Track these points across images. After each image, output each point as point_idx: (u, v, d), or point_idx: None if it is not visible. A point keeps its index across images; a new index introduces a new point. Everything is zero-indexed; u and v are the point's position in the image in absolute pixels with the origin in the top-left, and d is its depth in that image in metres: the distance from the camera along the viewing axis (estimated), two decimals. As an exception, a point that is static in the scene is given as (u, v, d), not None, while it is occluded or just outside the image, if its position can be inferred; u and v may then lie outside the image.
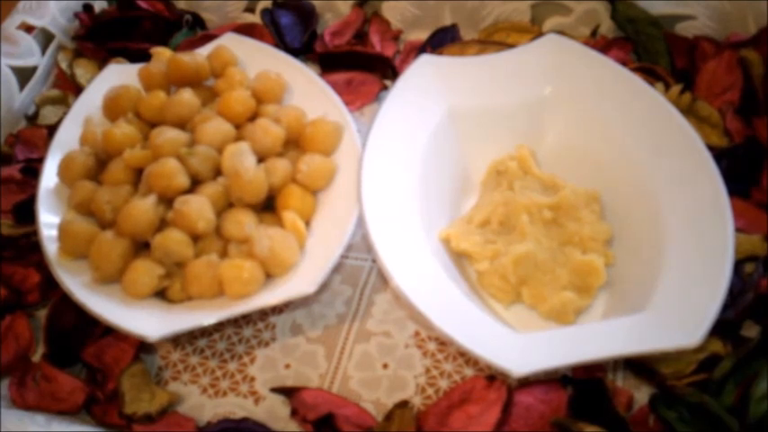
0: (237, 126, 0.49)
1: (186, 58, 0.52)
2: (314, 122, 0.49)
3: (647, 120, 0.46)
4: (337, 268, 0.48)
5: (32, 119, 0.59)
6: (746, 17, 0.54)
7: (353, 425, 0.40)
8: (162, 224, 0.45)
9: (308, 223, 0.47)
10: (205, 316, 0.42)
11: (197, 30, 0.64)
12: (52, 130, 0.54)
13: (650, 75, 0.52)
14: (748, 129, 0.49)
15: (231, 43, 0.56)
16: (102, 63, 0.61)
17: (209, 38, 0.59)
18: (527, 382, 0.40)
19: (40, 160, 0.51)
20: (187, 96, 0.50)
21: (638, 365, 0.41)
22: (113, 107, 0.52)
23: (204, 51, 0.55)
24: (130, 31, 0.63)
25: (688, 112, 0.49)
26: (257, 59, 0.55)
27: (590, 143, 0.48)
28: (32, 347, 0.46)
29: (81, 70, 0.61)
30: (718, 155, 0.44)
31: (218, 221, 0.45)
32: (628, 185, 0.46)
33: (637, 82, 0.47)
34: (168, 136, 0.47)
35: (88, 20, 0.63)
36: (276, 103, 0.52)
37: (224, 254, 0.45)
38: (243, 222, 0.44)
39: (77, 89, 0.59)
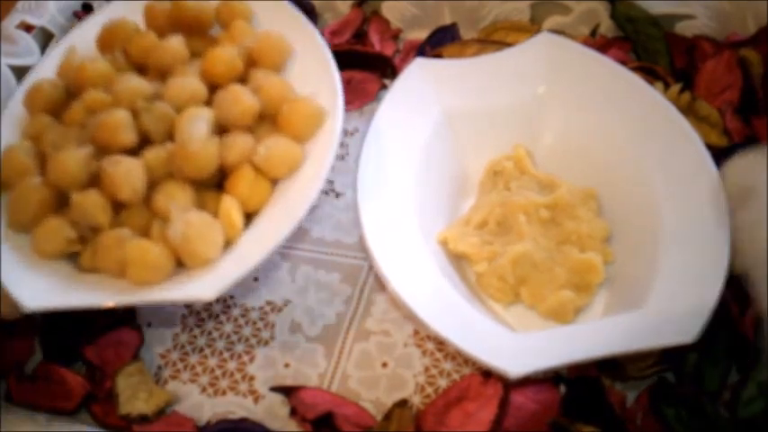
0: (217, 88, 0.44)
1: (190, 1, 0.47)
2: (294, 101, 0.43)
3: (646, 118, 0.46)
4: (337, 267, 0.48)
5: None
6: (746, 17, 0.54)
7: (353, 424, 0.40)
8: (95, 182, 0.41)
9: (252, 215, 0.42)
10: (96, 296, 0.38)
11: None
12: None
13: (650, 74, 0.52)
14: (748, 128, 0.49)
15: None
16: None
17: (209, 37, 0.59)
18: (519, 381, 0.40)
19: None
20: (174, 43, 0.45)
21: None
22: (107, 41, 0.47)
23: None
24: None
25: (687, 111, 0.49)
26: (276, 19, 0.48)
27: (587, 141, 0.48)
28: (32, 345, 0.46)
29: (80, 69, 0.61)
30: (718, 154, 0.44)
31: (152, 192, 0.41)
32: (625, 183, 0.46)
33: (634, 80, 0.48)
34: (130, 84, 0.42)
35: (87, 19, 0.63)
36: (274, 69, 0.46)
37: (146, 230, 0.40)
38: (174, 198, 0.40)
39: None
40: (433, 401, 0.41)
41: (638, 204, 0.44)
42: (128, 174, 0.39)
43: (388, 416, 0.41)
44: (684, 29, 0.55)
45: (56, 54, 0.50)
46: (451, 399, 0.41)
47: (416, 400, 0.42)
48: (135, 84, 0.42)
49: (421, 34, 0.60)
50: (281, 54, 0.45)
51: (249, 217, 0.42)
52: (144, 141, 0.41)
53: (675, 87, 0.51)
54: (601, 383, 0.40)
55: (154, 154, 0.40)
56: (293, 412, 0.42)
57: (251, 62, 0.44)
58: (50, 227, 0.40)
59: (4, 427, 0.39)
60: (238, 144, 0.41)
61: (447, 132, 0.49)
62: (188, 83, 0.42)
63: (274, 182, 0.41)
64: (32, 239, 0.40)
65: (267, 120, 0.43)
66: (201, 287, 0.38)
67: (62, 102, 0.44)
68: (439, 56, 0.55)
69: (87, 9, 0.64)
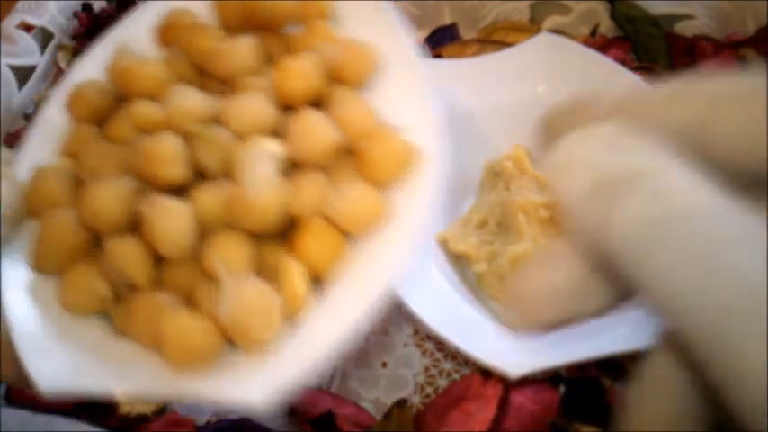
0: (289, 108, 0.34)
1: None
2: (379, 137, 0.32)
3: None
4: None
5: (31, 118, 0.59)
6: (746, 17, 0.54)
7: (352, 424, 0.40)
8: (136, 224, 0.32)
9: (320, 279, 0.32)
10: (124, 380, 0.30)
11: (196, 29, 0.64)
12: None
13: (649, 74, 0.52)
14: (747, 128, 0.50)
15: None
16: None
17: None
18: (519, 381, 0.40)
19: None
20: (242, 49, 0.35)
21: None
22: (166, 34, 0.38)
23: None
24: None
25: (687, 111, 0.49)
26: (360, 21, 0.37)
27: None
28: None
29: (80, 69, 0.61)
30: (717, 154, 0.45)
31: (201, 243, 0.32)
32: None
33: (634, 80, 0.48)
34: (184, 104, 0.33)
35: (87, 19, 0.63)
36: (356, 86, 0.35)
37: (191, 291, 0.32)
38: (227, 257, 0.31)
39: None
40: (433, 401, 0.41)
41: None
42: (172, 225, 0.31)
43: (387, 415, 0.41)
44: (684, 29, 0.55)
45: (106, 45, 0.39)
46: (451, 399, 0.41)
47: (416, 400, 0.42)
48: (190, 104, 0.33)
49: (421, 34, 0.60)
50: (367, 69, 0.35)
51: (317, 278, 0.32)
52: (197, 173, 0.33)
53: (675, 87, 0.51)
54: (601, 383, 0.40)
55: (207, 197, 0.32)
56: (292, 412, 0.42)
57: (331, 76, 0.35)
58: (79, 281, 0.32)
59: (4, 426, 0.39)
60: (309, 190, 0.31)
61: (447, 132, 0.49)
62: (254, 105, 0.33)
63: (351, 237, 0.32)
64: (60, 291, 0.32)
65: (347, 155, 0.33)
66: (250, 385, 0.29)
67: (110, 109, 0.36)
68: (439, 56, 0.55)
69: (87, 9, 0.64)
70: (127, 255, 0.31)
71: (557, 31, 0.54)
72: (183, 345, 0.29)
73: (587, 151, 0.22)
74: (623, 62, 0.52)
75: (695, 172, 0.19)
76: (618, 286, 0.22)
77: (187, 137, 0.32)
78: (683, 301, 0.17)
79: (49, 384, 0.29)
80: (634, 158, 0.20)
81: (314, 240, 0.31)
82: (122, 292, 0.32)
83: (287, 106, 0.34)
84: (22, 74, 0.60)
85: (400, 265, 0.30)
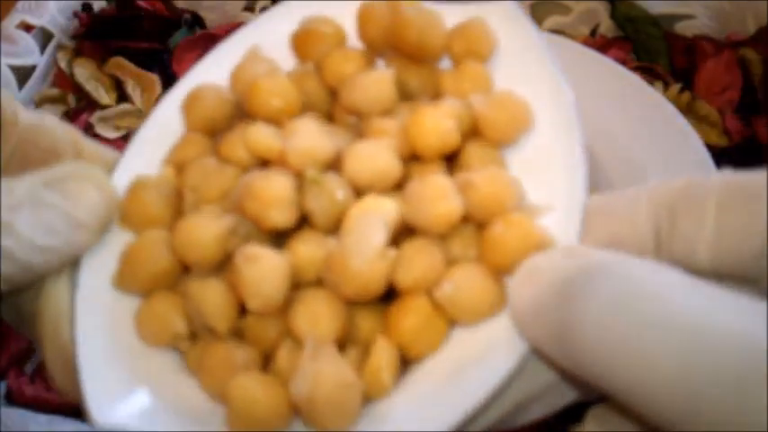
0: (423, 161, 0.30)
1: (411, 11, 0.31)
2: (511, 221, 0.27)
3: (645, 118, 0.46)
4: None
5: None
6: (746, 17, 0.54)
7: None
8: (228, 264, 0.29)
9: (410, 360, 0.28)
10: (175, 426, 0.28)
11: (196, 29, 0.64)
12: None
13: (650, 74, 0.52)
14: (747, 128, 0.49)
15: (509, 20, 0.32)
16: (101, 62, 0.61)
17: (209, 37, 0.59)
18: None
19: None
20: (377, 81, 0.31)
21: None
22: (303, 45, 0.34)
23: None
24: (130, 30, 0.63)
25: (687, 111, 0.49)
26: (515, 62, 0.32)
27: (586, 141, 0.48)
28: (32, 345, 0.46)
29: (80, 69, 0.61)
30: (718, 154, 0.45)
31: (292, 297, 0.29)
32: (624, 183, 0.46)
33: (634, 80, 0.48)
34: (306, 141, 0.29)
35: (87, 19, 0.63)
36: (499, 145, 0.30)
37: (273, 348, 0.29)
38: (316, 322, 0.28)
39: (76, 88, 0.59)
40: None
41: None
42: (263, 280, 0.28)
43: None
44: (684, 29, 0.55)
45: (237, 44, 0.35)
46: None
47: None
48: (311, 144, 0.30)
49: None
50: (515, 130, 0.30)
51: (406, 361, 0.29)
52: (301, 216, 0.30)
53: (675, 87, 0.51)
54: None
55: (307, 250, 0.29)
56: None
57: (470, 131, 0.30)
58: (157, 310, 0.30)
59: (4, 426, 0.39)
60: (419, 264, 0.28)
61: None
62: (378, 157, 0.29)
63: (453, 323, 0.28)
64: (136, 318, 0.30)
65: (468, 224, 0.29)
66: None
67: (228, 120, 0.33)
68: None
69: (87, 9, 0.64)
70: (209, 298, 0.29)
71: (557, 31, 0.54)
72: (248, 411, 0.27)
73: (544, 261, 0.21)
74: (623, 62, 0.52)
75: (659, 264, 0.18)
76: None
77: (299, 177, 0.29)
78: (662, 391, 0.16)
79: (104, 418, 0.27)
80: (592, 258, 0.19)
81: (414, 322, 0.28)
82: (200, 332, 0.30)
83: (414, 155, 0.30)
84: (22, 74, 0.60)
85: (505, 370, 0.25)
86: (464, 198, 0.28)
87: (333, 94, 0.33)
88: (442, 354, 0.27)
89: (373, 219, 0.28)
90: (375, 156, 0.29)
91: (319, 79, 0.33)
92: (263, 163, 0.30)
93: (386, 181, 0.29)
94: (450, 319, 0.28)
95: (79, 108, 0.60)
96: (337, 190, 0.29)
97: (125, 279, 0.30)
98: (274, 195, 0.29)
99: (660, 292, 0.17)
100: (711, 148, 0.44)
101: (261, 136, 0.30)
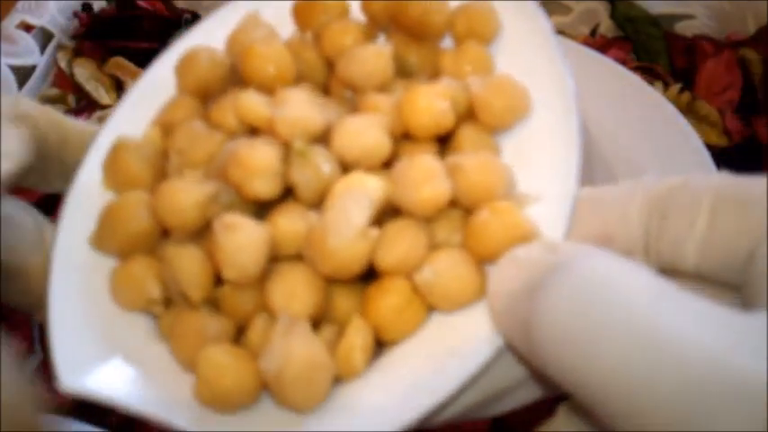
0: (415, 141, 0.29)
1: None
2: (499, 210, 0.26)
3: (645, 118, 0.46)
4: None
5: (31, 118, 0.59)
6: (746, 17, 0.54)
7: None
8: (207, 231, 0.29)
9: (385, 343, 0.28)
10: (146, 396, 0.27)
11: (196, 29, 0.64)
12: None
13: (650, 74, 0.52)
14: (747, 128, 0.49)
15: (516, 3, 0.31)
16: (101, 62, 0.61)
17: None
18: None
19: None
20: (372, 55, 0.30)
21: None
22: (304, 15, 0.33)
23: None
24: (130, 30, 0.63)
25: (687, 111, 0.49)
26: (519, 46, 0.31)
27: (586, 141, 0.48)
28: (32, 345, 0.46)
29: (80, 69, 0.61)
30: (717, 154, 0.45)
31: (270, 271, 0.28)
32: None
33: (634, 80, 0.48)
34: (297, 112, 0.29)
35: (87, 19, 0.63)
36: (493, 130, 0.30)
37: (247, 319, 0.29)
38: (293, 298, 0.27)
39: (76, 88, 0.59)
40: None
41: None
42: (241, 250, 0.27)
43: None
44: (684, 29, 0.55)
45: (238, 9, 0.34)
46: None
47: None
48: (301, 114, 0.29)
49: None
50: (512, 116, 0.29)
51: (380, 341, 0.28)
52: (285, 188, 0.29)
53: (675, 87, 0.51)
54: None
55: (288, 224, 0.28)
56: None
57: (466, 113, 0.30)
58: (133, 276, 0.29)
59: (4, 426, 0.39)
60: (401, 246, 0.27)
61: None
62: (368, 134, 0.29)
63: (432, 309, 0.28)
64: (111, 281, 0.30)
65: (457, 209, 0.28)
66: None
67: (220, 84, 0.32)
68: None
69: (87, 9, 0.64)
70: (185, 265, 0.28)
71: (557, 31, 0.54)
72: (215, 382, 0.27)
73: (523, 254, 0.21)
74: (623, 62, 0.52)
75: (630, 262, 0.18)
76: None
77: (287, 147, 0.29)
78: (615, 398, 0.16)
79: (72, 382, 0.26)
80: (562, 251, 0.19)
81: (391, 304, 0.27)
82: (175, 298, 0.29)
83: (407, 135, 0.29)
84: (22, 74, 0.60)
85: (476, 358, 0.24)
86: (452, 182, 0.27)
87: (330, 66, 0.32)
88: (417, 339, 0.27)
89: (357, 196, 0.27)
90: (364, 132, 0.28)
91: (318, 50, 0.32)
92: (253, 131, 0.30)
93: (374, 158, 0.28)
94: (428, 304, 0.27)
95: (79, 108, 0.60)
96: (324, 164, 0.29)
97: (102, 239, 0.30)
98: (259, 164, 0.28)
99: (623, 296, 0.16)
100: (711, 148, 0.44)
101: (251, 103, 0.30)
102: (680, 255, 0.20)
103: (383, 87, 0.30)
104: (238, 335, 0.28)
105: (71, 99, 0.60)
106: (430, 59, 0.31)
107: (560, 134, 0.28)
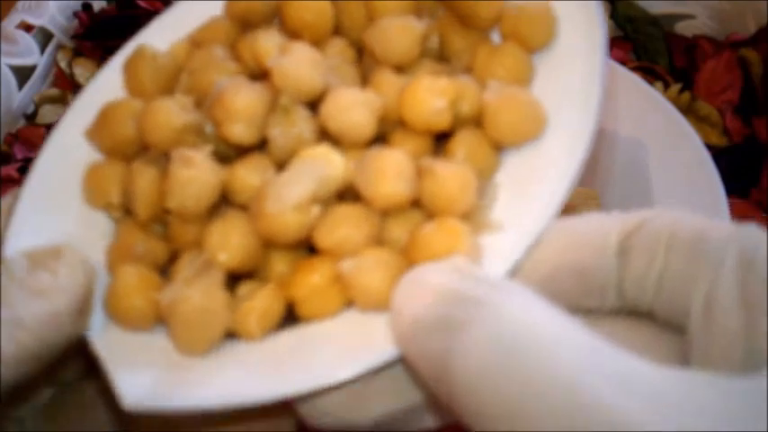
0: (409, 130, 0.28)
1: None
2: (440, 220, 0.25)
3: (646, 118, 0.46)
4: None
5: (31, 118, 0.59)
6: (746, 17, 0.54)
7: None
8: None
9: (299, 318, 0.27)
10: (200, 391, 0.26)
11: (196, 29, 0.64)
12: (51, 129, 0.54)
13: (649, 74, 0.52)
14: (747, 128, 0.49)
15: (583, 18, 0.28)
16: (100, 62, 0.61)
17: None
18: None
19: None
20: (408, 28, 0.29)
21: None
22: None
23: None
24: (130, 30, 0.62)
25: (687, 111, 0.49)
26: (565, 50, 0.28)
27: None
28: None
29: (80, 69, 0.61)
30: (718, 154, 0.45)
31: (213, 216, 0.28)
32: (624, 183, 0.46)
33: (634, 80, 0.48)
34: (292, 67, 0.28)
35: (87, 19, 0.63)
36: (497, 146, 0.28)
37: (177, 255, 0.29)
38: (222, 246, 0.27)
39: (76, 88, 0.59)
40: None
41: (638, 204, 0.44)
42: (188, 184, 0.27)
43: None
44: (684, 29, 0.55)
45: None
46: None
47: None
48: (297, 70, 0.28)
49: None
50: (517, 134, 0.28)
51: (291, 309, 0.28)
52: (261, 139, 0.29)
53: (675, 87, 0.51)
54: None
55: (246, 176, 0.28)
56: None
57: (473, 117, 0.28)
58: (102, 176, 0.30)
59: (4, 426, 0.39)
60: (342, 231, 0.26)
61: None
62: (354, 110, 0.27)
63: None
64: (85, 174, 0.30)
65: (419, 211, 0.27)
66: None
67: (267, 17, 0.32)
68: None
69: (87, 9, 0.64)
70: (141, 183, 0.28)
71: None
72: (119, 296, 0.27)
73: (430, 275, 0.20)
74: (623, 62, 0.52)
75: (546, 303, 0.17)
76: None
77: (273, 106, 0.28)
78: None
79: (135, 402, 0.25)
80: (478, 287, 0.19)
81: (311, 282, 0.27)
82: (131, 208, 0.29)
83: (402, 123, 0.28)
84: (22, 74, 0.60)
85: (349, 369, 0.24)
86: (420, 184, 0.26)
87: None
88: (323, 326, 0.26)
89: (309, 168, 0.26)
90: (351, 108, 0.27)
91: (364, 9, 0.31)
92: (263, 74, 0.29)
93: (354, 136, 0.28)
94: (347, 297, 0.26)
95: (79, 108, 0.60)
96: (303, 126, 0.28)
97: (95, 133, 0.31)
98: (239, 108, 0.28)
99: (550, 350, 0.16)
100: (711, 148, 0.44)
101: (264, 46, 0.29)
102: (640, 294, 0.20)
103: (405, 64, 0.29)
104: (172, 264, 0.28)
105: (71, 99, 0.60)
106: (472, 50, 0.30)
107: (559, 167, 0.26)
